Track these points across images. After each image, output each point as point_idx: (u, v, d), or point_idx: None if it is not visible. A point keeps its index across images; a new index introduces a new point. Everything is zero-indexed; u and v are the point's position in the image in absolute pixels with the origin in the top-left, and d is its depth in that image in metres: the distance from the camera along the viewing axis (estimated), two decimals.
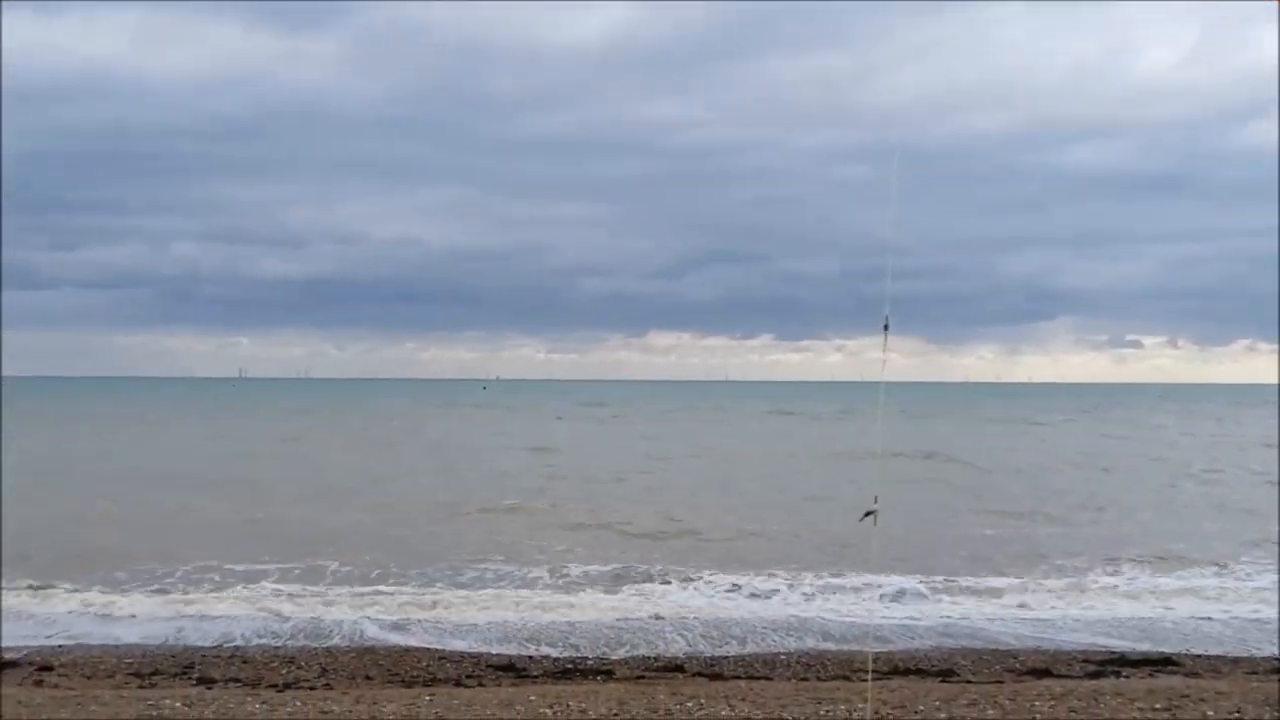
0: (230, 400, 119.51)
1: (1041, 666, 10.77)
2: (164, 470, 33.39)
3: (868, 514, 6.29)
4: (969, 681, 9.97)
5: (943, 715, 8.26)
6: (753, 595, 14.79)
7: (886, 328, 5.96)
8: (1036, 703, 8.67)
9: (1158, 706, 8.48)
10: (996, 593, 15.03)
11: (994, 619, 13.48)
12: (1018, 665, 10.89)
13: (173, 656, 11.21)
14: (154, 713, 8.28)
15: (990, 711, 8.41)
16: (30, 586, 14.84)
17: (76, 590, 14.70)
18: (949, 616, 13.60)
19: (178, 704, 8.57)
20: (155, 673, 10.45)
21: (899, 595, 14.68)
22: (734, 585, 15.30)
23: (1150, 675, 10.40)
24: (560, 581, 15.80)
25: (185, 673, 10.47)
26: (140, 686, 9.79)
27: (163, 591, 14.81)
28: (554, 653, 11.61)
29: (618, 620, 13.24)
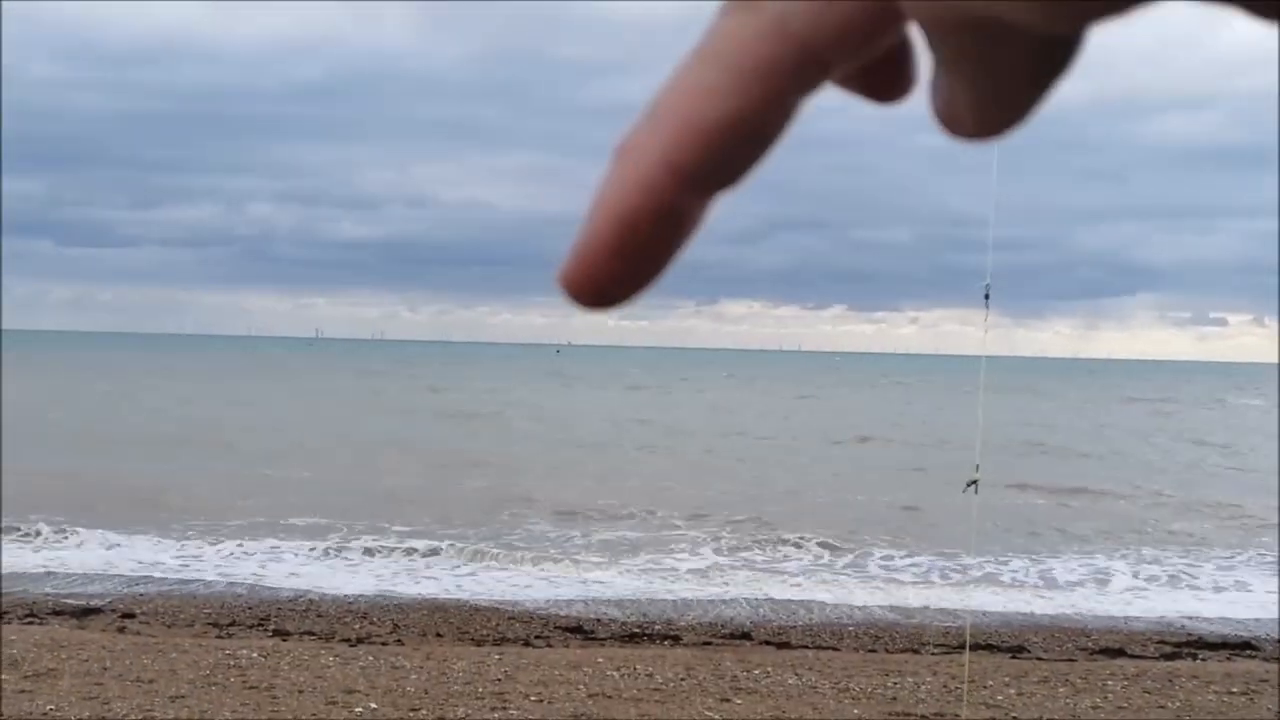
0: (311, 361, 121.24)
1: (1115, 646, 10.61)
2: (245, 428, 34.02)
3: (970, 484, 6.28)
4: (1039, 659, 9.86)
5: (1012, 691, 8.19)
6: (828, 567, 14.75)
7: (988, 298, 5.87)
8: (1109, 682, 8.57)
9: (1235, 690, 8.33)
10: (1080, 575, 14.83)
11: (1074, 601, 13.31)
12: (1090, 644, 10.74)
13: (249, 608, 11.46)
14: (231, 662, 8.49)
15: (1061, 689, 8.32)
16: (112, 534, 15.24)
17: (159, 540, 15.08)
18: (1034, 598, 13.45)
19: (254, 654, 8.77)
20: (233, 623, 10.69)
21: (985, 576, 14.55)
22: (816, 556, 15.26)
23: (1228, 659, 10.20)
24: (636, 547, 15.86)
25: (261, 624, 10.70)
26: (218, 636, 10.03)
27: (240, 544, 15.11)
28: (621, 616, 11.68)
29: (687, 585, 13.29)
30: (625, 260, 0.33)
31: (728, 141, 0.32)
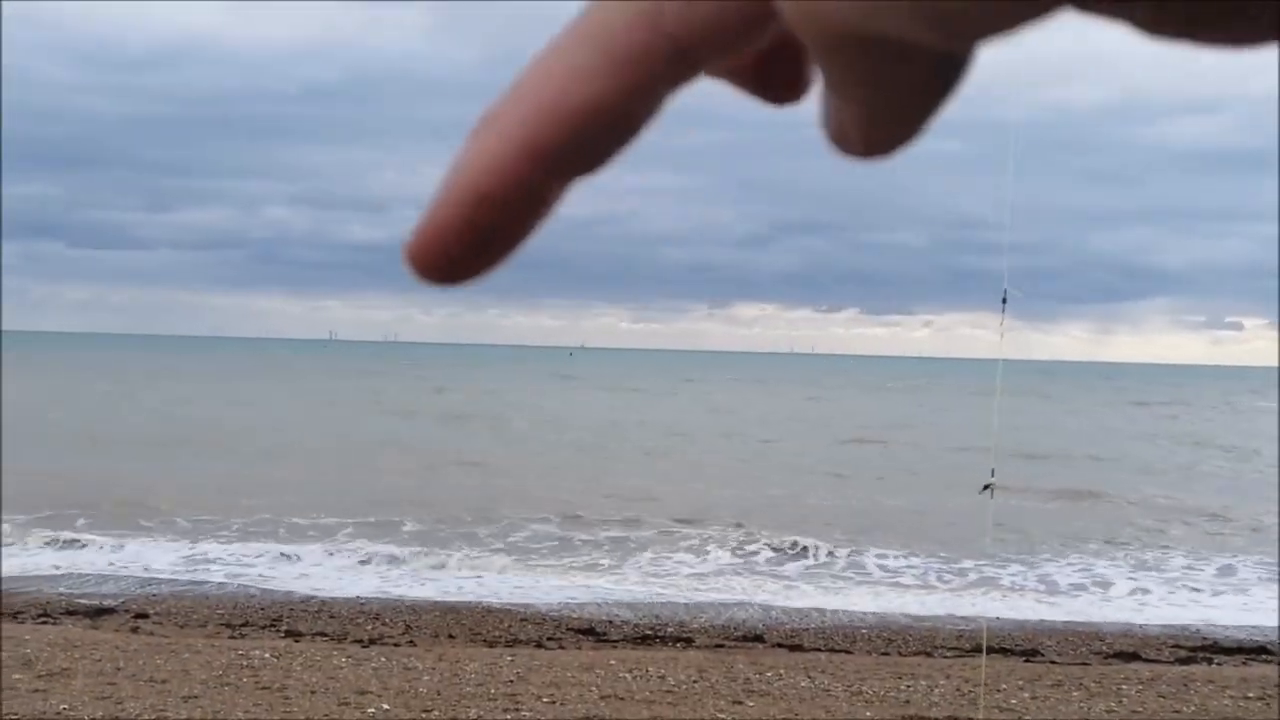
0: (323, 362, 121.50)
1: (1130, 650, 10.56)
2: (255, 429, 34.11)
3: (986, 487, 6.27)
4: (1054, 662, 9.83)
5: (1026, 695, 8.17)
6: (850, 571, 14.72)
7: (1005, 301, 5.85)
8: (1123, 686, 8.53)
9: (1250, 695, 8.29)
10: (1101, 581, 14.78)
11: (1090, 604, 13.26)
12: (1104, 648, 10.69)
13: (262, 609, 11.47)
14: (244, 663, 8.50)
15: (1075, 693, 8.29)
16: (124, 533, 15.29)
17: (172, 540, 15.12)
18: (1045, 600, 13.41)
19: (267, 655, 8.79)
20: (245, 624, 10.71)
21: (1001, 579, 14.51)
22: (843, 558, 15.23)
23: (1244, 663, 10.15)
24: (646, 547, 15.84)
25: (274, 625, 10.71)
26: (231, 637, 10.05)
27: (251, 545, 15.14)
28: (633, 618, 11.67)
29: (699, 587, 13.28)
30: (474, 239, 0.33)
31: (590, 127, 0.31)
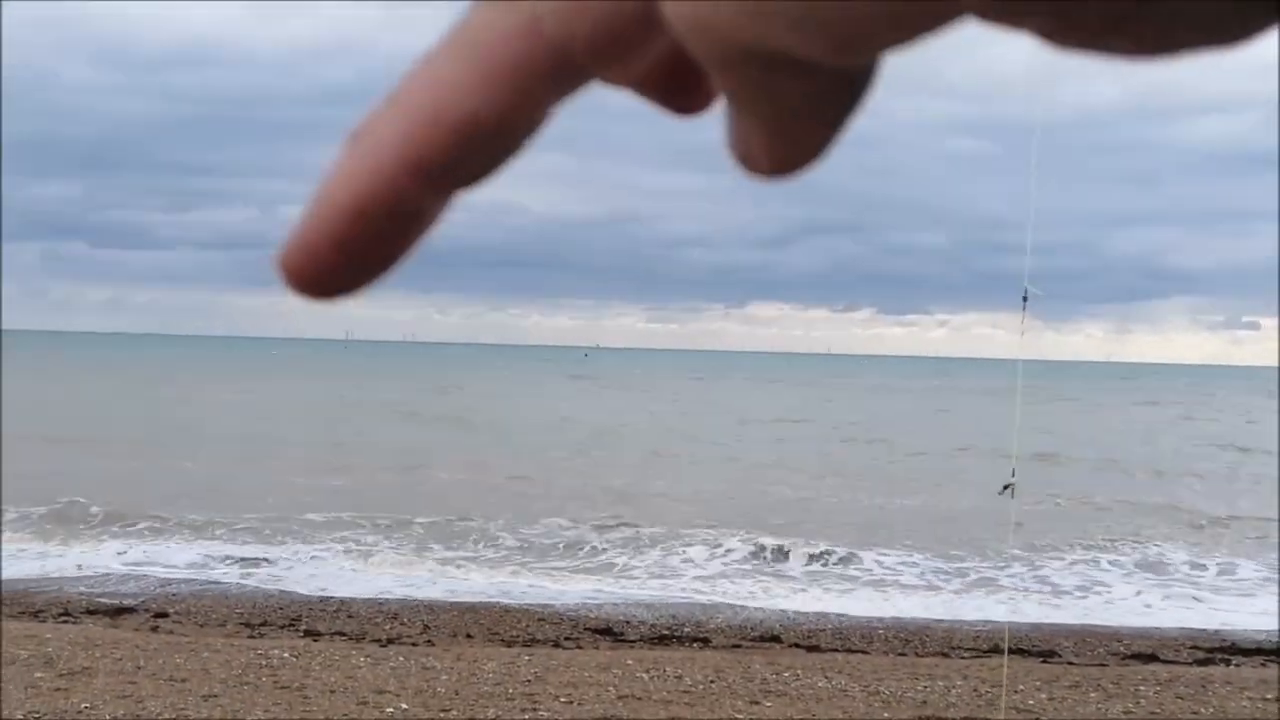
0: (341, 362, 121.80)
1: (1147, 651, 10.52)
2: (277, 429, 34.23)
3: (1006, 487, 6.26)
4: (1071, 663, 9.80)
5: (1044, 696, 8.15)
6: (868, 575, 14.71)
7: (1025, 299, 5.83)
8: (1141, 688, 8.51)
9: (1269, 696, 8.26)
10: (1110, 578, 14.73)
11: (1106, 603, 13.22)
12: (1122, 649, 10.66)
13: (281, 608, 11.53)
14: (263, 662, 8.55)
15: (1093, 694, 8.28)
16: (146, 531, 15.38)
17: (191, 539, 15.21)
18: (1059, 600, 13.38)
19: (286, 654, 8.83)
20: (264, 623, 10.76)
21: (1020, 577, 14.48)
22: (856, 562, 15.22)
23: (1262, 665, 10.10)
24: (661, 547, 15.85)
25: (292, 624, 10.76)
26: (250, 636, 10.11)
27: (270, 544, 15.21)
28: (650, 618, 11.68)
29: (715, 587, 13.29)
30: (348, 254, 0.31)
31: (470, 140, 0.30)
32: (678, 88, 0.33)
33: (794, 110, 0.29)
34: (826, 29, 0.26)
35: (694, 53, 0.28)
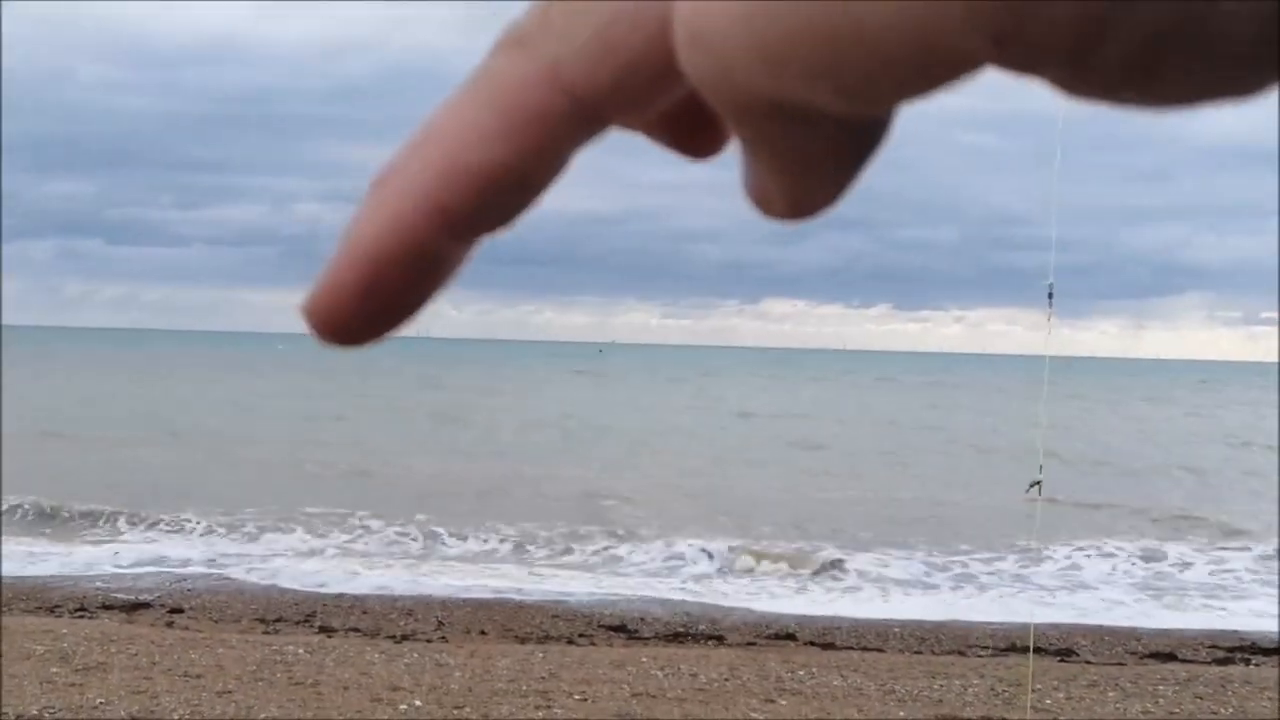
0: (354, 359, 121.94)
1: (1166, 650, 10.45)
2: (285, 425, 34.34)
3: (1034, 484, 6.24)
4: (1088, 662, 9.75)
5: (1061, 695, 8.10)
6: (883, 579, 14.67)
7: (1051, 296, 5.78)
8: (1160, 687, 8.45)
9: None
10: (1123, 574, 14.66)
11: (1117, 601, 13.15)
12: (1140, 648, 10.59)
13: (295, 604, 11.53)
14: (277, 658, 8.55)
15: (1110, 694, 8.22)
16: (162, 526, 15.43)
17: (207, 535, 15.26)
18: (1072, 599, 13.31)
19: (300, 650, 8.83)
20: (279, 619, 10.77)
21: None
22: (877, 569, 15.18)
23: None
24: (675, 544, 15.83)
25: (307, 620, 10.77)
26: (264, 632, 10.11)
27: (284, 539, 15.24)
28: (665, 615, 11.66)
29: (728, 585, 13.26)
30: (374, 301, 0.31)
31: (493, 189, 0.30)
32: (691, 131, 0.34)
33: (810, 157, 0.29)
34: (844, 81, 0.26)
35: (711, 102, 0.28)
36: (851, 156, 0.29)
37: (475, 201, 0.30)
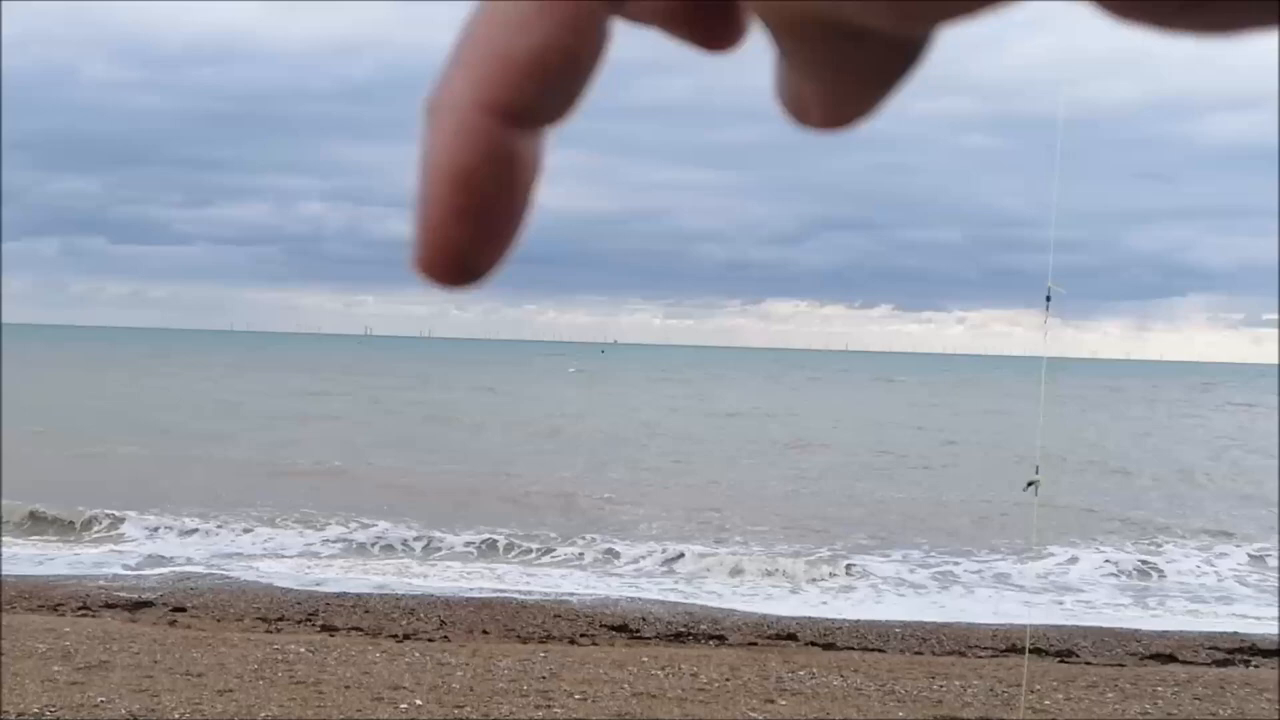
0: (358, 358, 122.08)
1: (1166, 651, 10.46)
2: (288, 425, 34.34)
3: (1030, 484, 6.25)
4: (1088, 663, 9.76)
5: (1061, 696, 8.11)
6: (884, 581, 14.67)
7: (1049, 299, 5.79)
8: (1159, 688, 8.46)
9: None
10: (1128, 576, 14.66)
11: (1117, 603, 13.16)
12: (1140, 649, 10.60)
13: (297, 603, 11.56)
14: (279, 657, 8.57)
15: (1110, 695, 8.23)
16: (164, 526, 15.46)
17: (209, 534, 15.28)
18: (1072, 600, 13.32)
19: (302, 649, 8.85)
20: (281, 618, 10.80)
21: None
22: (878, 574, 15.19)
23: None
24: (678, 545, 15.84)
25: (309, 619, 10.79)
26: (266, 631, 10.14)
27: (287, 539, 15.26)
28: (666, 615, 11.68)
29: (730, 585, 13.28)
30: (475, 222, 0.31)
31: (543, 73, 0.30)
32: (709, 23, 0.34)
33: (853, 73, 0.31)
34: (891, 4, 0.28)
35: (759, 17, 0.30)
36: (893, 73, 0.31)
37: (532, 89, 0.30)
